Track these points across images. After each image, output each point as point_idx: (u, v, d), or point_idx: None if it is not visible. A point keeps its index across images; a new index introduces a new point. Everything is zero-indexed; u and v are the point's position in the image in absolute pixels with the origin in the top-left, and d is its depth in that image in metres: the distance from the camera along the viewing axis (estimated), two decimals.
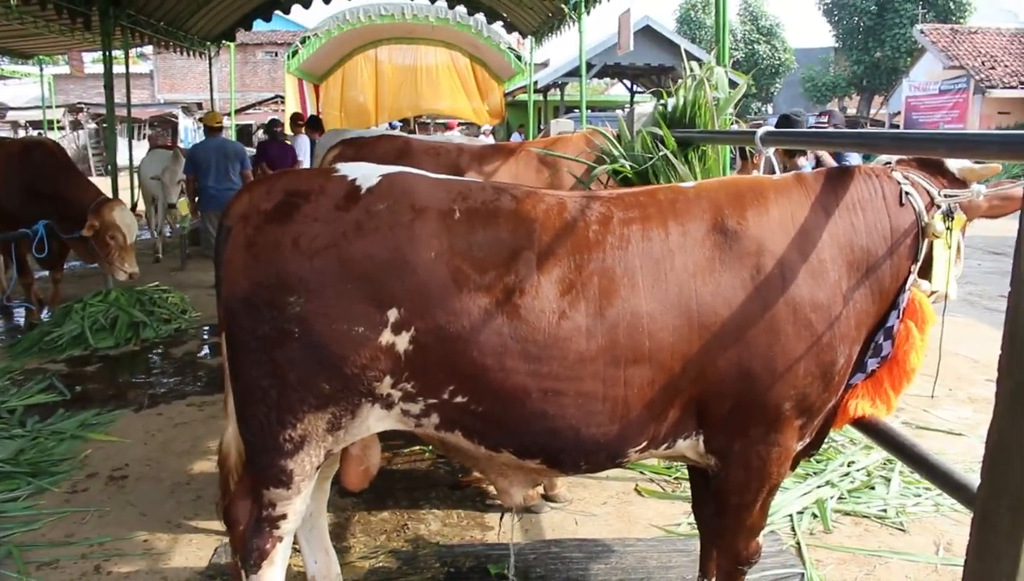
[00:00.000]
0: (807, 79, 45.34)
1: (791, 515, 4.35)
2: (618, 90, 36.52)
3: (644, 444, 2.73)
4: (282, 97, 22.68)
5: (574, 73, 23.91)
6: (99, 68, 12.28)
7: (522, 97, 23.24)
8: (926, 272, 2.76)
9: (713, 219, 2.71)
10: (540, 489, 4.57)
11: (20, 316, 9.59)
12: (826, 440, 4.83)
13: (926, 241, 2.73)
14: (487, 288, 2.57)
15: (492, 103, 22.96)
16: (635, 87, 29.24)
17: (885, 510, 4.45)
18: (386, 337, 2.59)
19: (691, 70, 4.87)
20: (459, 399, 2.64)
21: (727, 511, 2.91)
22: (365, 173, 2.75)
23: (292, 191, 2.71)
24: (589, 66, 24.67)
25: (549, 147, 6.31)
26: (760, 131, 3.58)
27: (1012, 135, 2.07)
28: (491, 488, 4.69)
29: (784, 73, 45.97)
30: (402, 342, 2.59)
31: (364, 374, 2.61)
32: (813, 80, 45.22)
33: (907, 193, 2.76)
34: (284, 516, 2.85)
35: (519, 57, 20.32)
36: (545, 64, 32.11)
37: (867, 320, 2.75)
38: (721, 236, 2.67)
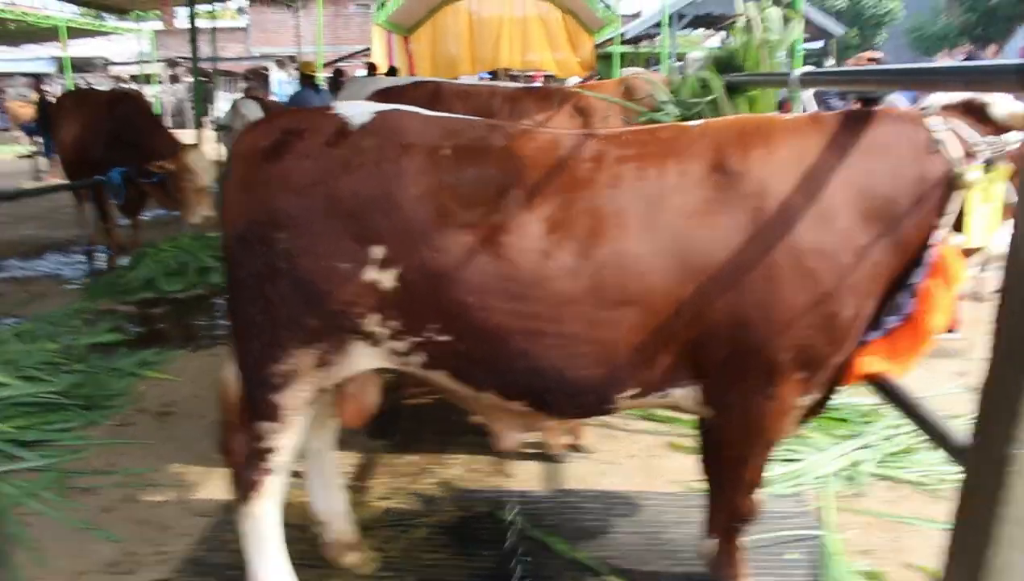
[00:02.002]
0: (914, 28, 42.99)
1: (823, 477, 4.18)
2: (717, 42, 35.47)
3: (635, 391, 2.65)
4: (370, 49, 22.83)
5: (668, 23, 23.35)
6: (197, 23, 12.57)
7: (613, 49, 22.82)
8: (962, 226, 2.55)
9: (715, 158, 2.57)
10: (567, 438, 4.52)
11: (101, 261, 9.95)
12: (870, 402, 4.66)
13: (958, 193, 2.51)
14: (472, 226, 2.52)
15: (583, 54, 22.61)
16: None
17: (926, 474, 4.23)
18: (371, 274, 2.57)
19: (745, 11, 4.66)
20: (443, 338, 2.61)
21: (723, 465, 2.81)
22: (358, 111, 2.73)
23: (288, 129, 2.71)
24: (680, 16, 24.01)
25: (610, 91, 6.14)
26: (795, 71, 3.39)
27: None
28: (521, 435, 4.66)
29: (890, 23, 43.70)
30: (387, 279, 2.57)
31: (350, 311, 2.61)
32: (921, 30, 42.84)
33: (939, 140, 2.53)
34: (275, 450, 2.88)
35: (608, 7, 19.89)
36: (636, 15, 31.37)
37: (884, 274, 2.56)
38: (722, 176, 2.53)
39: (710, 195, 2.51)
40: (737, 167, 2.53)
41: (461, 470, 4.39)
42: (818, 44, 27.31)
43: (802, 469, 4.23)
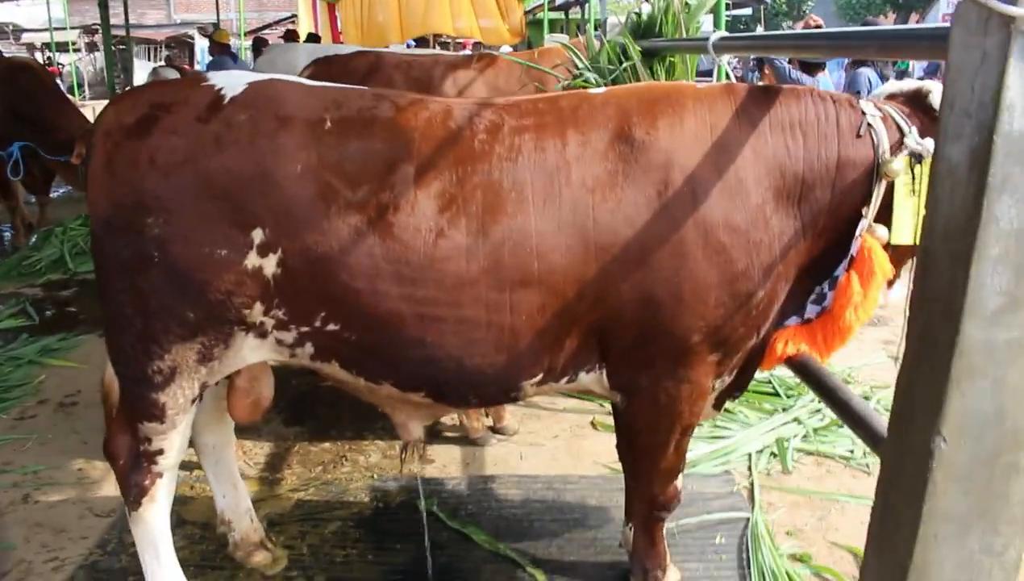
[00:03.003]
0: None
1: (749, 454, 4.10)
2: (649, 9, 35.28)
3: (540, 376, 2.49)
4: (296, 16, 22.20)
5: None
6: None
7: (543, 15, 22.54)
8: (888, 219, 2.41)
9: (619, 128, 2.39)
10: (487, 421, 4.36)
11: (6, 241, 9.47)
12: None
13: (882, 182, 2.36)
14: (359, 204, 2.32)
15: (512, 22, 22.26)
16: None
17: (852, 451, 4.17)
18: (252, 260, 2.36)
19: None
20: (332, 326, 2.42)
21: (639, 452, 2.67)
22: (231, 82, 2.50)
23: (156, 103, 2.47)
24: None
25: (527, 59, 5.97)
26: (712, 37, 3.23)
27: (937, 28, 1.75)
28: (444, 419, 4.49)
29: None
30: (269, 265, 2.36)
31: (231, 301, 2.40)
32: None
33: (869, 125, 2.38)
34: (161, 451, 2.68)
35: None
36: None
37: (798, 257, 2.43)
38: (626, 147, 2.36)
39: (614, 167, 2.34)
40: (643, 137, 2.36)
41: (378, 457, 4.20)
42: (747, 11, 27.38)
43: (729, 446, 4.14)
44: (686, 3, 4.30)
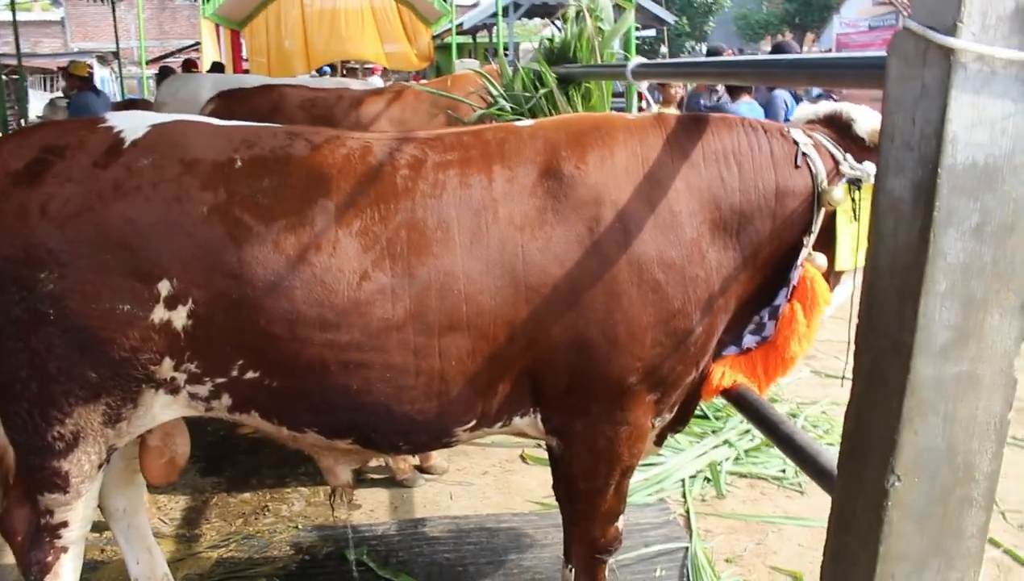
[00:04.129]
0: (740, 17, 44.82)
1: (683, 480, 4.06)
2: (553, 32, 35.70)
3: (472, 422, 2.38)
4: (200, 44, 21.69)
5: (504, 13, 23.26)
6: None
7: (457, 40, 22.53)
8: (829, 247, 2.39)
9: (547, 163, 2.31)
10: (414, 460, 4.22)
11: None
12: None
13: (822, 211, 2.33)
14: (274, 245, 2.17)
15: (420, 47, 22.16)
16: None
17: (784, 471, 4.18)
18: (159, 314, 2.19)
19: (576, 1, 4.45)
20: (250, 375, 2.27)
21: (577, 497, 2.57)
22: (133, 124, 2.33)
23: (47, 146, 2.27)
24: (516, 5, 23.95)
25: (439, 87, 5.86)
26: (631, 63, 3.19)
27: (870, 58, 1.73)
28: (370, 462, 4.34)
29: (718, 11, 45.18)
30: (179, 318, 2.20)
31: (136, 358, 2.22)
32: (746, 18, 44.73)
33: (804, 154, 2.35)
34: (65, 523, 2.47)
35: None
36: (475, 4, 31.22)
37: (738, 289, 2.38)
38: (555, 183, 2.28)
39: (542, 204, 2.26)
40: (572, 172, 2.28)
41: (302, 505, 4.02)
42: (651, 32, 27.93)
43: (663, 473, 4.09)
44: (599, 28, 4.27)
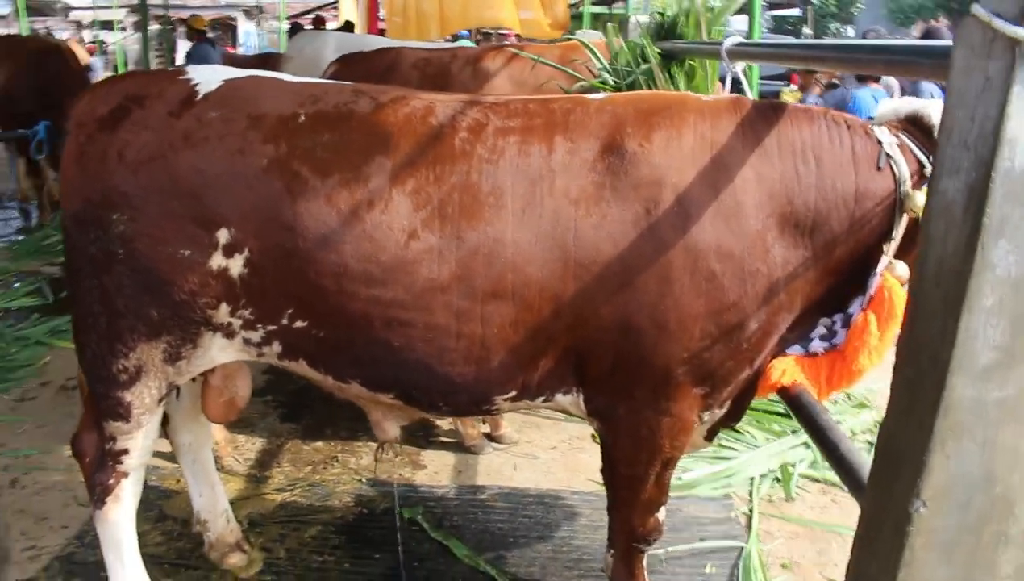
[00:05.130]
0: None
1: (753, 478, 3.93)
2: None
3: (513, 392, 2.37)
4: (338, 2, 22.24)
5: None
6: None
7: (591, 9, 22.29)
8: (912, 256, 2.23)
9: (610, 138, 2.24)
10: (484, 428, 4.24)
11: (33, 217, 9.53)
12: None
13: (904, 217, 2.19)
14: (328, 199, 2.21)
15: (556, 14, 22.01)
16: None
17: None
18: (217, 260, 2.27)
19: None
20: (299, 324, 2.34)
21: (617, 483, 2.53)
22: (208, 77, 2.42)
23: (131, 95, 2.40)
24: None
25: (550, 55, 5.80)
26: (727, 42, 3.06)
27: (938, 47, 1.60)
28: (440, 423, 4.39)
29: None
30: (235, 265, 2.28)
31: (195, 301, 2.32)
32: (897, 0, 42.36)
33: (888, 155, 2.20)
34: (126, 451, 2.61)
35: None
36: None
37: (805, 289, 2.26)
38: (616, 159, 2.21)
39: (601, 180, 2.20)
40: (635, 150, 2.20)
41: (369, 459, 4.10)
42: (796, 12, 26.96)
43: (732, 469, 3.97)
44: (709, 6, 4.12)
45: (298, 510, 3.63)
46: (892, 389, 1.56)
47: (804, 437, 4.25)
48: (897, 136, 2.28)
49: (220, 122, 2.27)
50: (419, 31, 20.10)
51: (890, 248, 2.22)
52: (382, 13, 20.40)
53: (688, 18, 4.06)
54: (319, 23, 14.54)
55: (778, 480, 3.96)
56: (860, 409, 4.56)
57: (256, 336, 2.40)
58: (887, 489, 1.56)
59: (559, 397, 2.41)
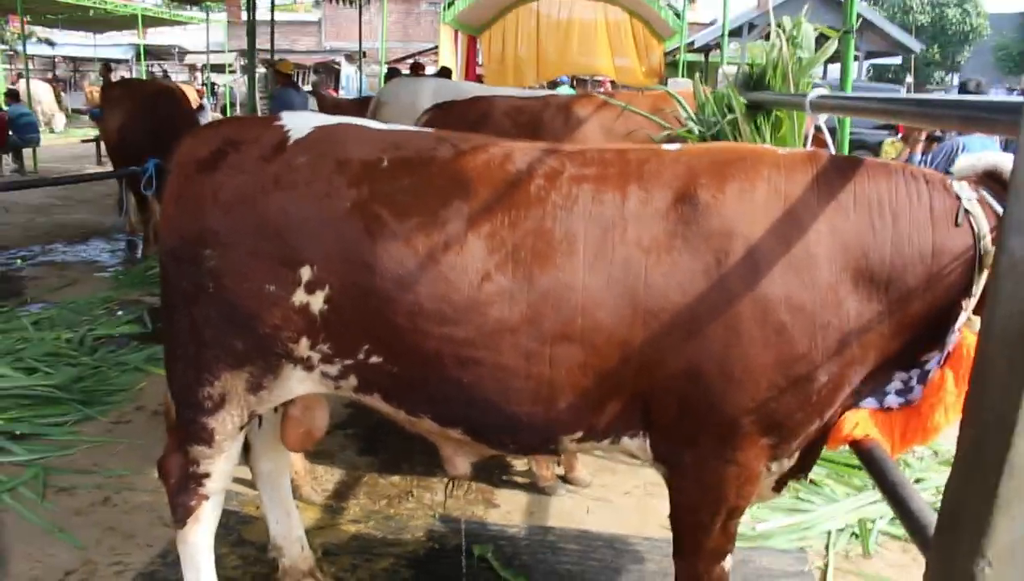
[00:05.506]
0: (1000, 47, 41.20)
1: (830, 532, 3.85)
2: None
3: (580, 434, 2.41)
4: (438, 48, 22.82)
5: (737, 32, 22.85)
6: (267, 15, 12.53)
7: (687, 58, 22.31)
8: None
9: (684, 188, 2.28)
10: (558, 470, 4.26)
11: (139, 249, 10.00)
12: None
13: (984, 273, 2.16)
14: (406, 241, 2.31)
15: (651, 63, 22.12)
16: None
17: None
18: (299, 297, 2.39)
19: (777, 26, 4.32)
20: (374, 359, 2.43)
21: (682, 530, 2.52)
22: (300, 124, 2.56)
23: (228, 139, 2.57)
24: (751, 26, 23.49)
25: (642, 101, 5.85)
26: (810, 94, 3.08)
27: (1013, 103, 1.59)
28: (515, 463, 4.43)
29: (975, 40, 41.72)
30: (316, 302, 2.39)
31: (278, 335, 2.44)
32: (1007, 48, 41.06)
33: (967, 211, 2.20)
34: (208, 475, 2.74)
35: (678, 15, 19.41)
36: (712, 23, 30.83)
37: (880, 343, 2.25)
38: (689, 209, 2.24)
39: (673, 229, 2.23)
40: (708, 200, 2.24)
41: (444, 495, 4.15)
42: (896, 60, 26.46)
43: (808, 521, 3.89)
44: (796, 55, 4.13)
45: (371, 542, 3.70)
46: (958, 446, 1.55)
47: None
48: (976, 190, 2.25)
49: (308, 167, 2.40)
50: (516, 77, 20.43)
51: (970, 304, 2.19)
52: (480, 59, 20.85)
53: (776, 69, 4.08)
54: (417, 69, 14.94)
55: (856, 535, 3.86)
56: (946, 466, 4.40)
57: (334, 370, 2.50)
58: (950, 548, 1.55)
59: (625, 440, 2.43)
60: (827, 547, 3.76)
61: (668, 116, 4.93)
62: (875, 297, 2.21)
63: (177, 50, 33.14)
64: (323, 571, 3.39)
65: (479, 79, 18.56)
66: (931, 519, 1.97)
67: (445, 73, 13.85)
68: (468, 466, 2.82)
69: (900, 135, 8.69)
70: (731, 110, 4.21)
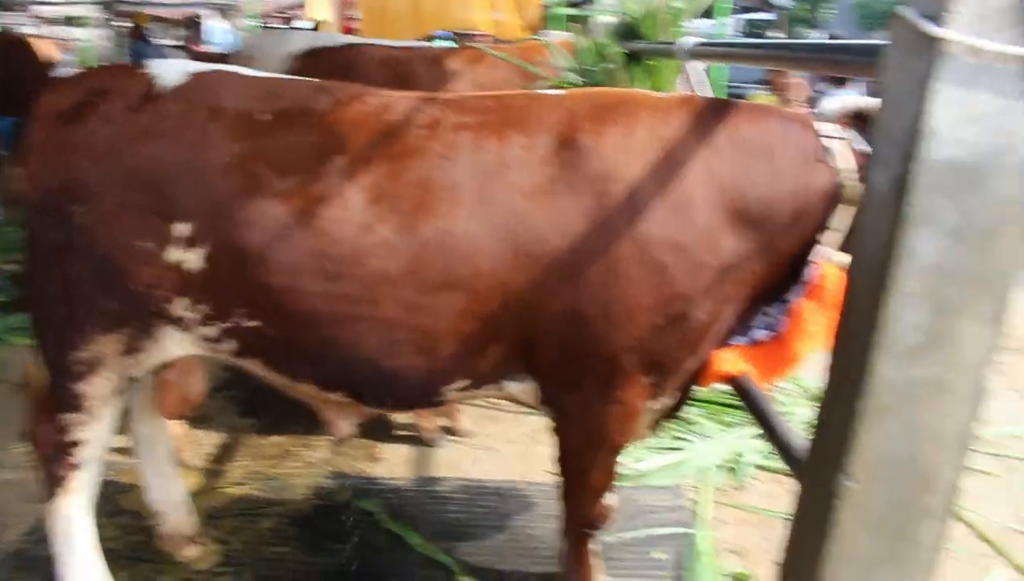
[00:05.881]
0: (862, 4, 43.00)
1: (705, 467, 4.01)
2: None
3: (464, 383, 2.41)
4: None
5: None
6: None
7: (564, 11, 22.29)
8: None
9: (565, 133, 2.29)
10: (441, 421, 4.28)
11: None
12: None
13: (846, 208, 2.25)
14: (287, 195, 2.24)
15: (529, 16, 21.98)
16: None
17: None
18: (175, 253, 2.29)
19: None
20: (253, 322, 2.35)
21: (567, 471, 2.58)
22: (171, 71, 2.43)
23: (94, 89, 2.42)
24: None
25: (516, 52, 5.84)
26: (683, 43, 3.14)
27: (871, 45, 1.67)
28: (397, 417, 4.42)
29: None
30: (192, 259, 2.29)
31: (154, 294, 2.34)
32: (869, 5, 42.88)
33: (828, 149, 2.29)
34: (80, 443, 2.61)
35: None
36: None
37: (751, 280, 2.32)
38: (569, 153, 2.26)
39: (554, 173, 2.24)
40: (588, 145, 2.26)
41: (328, 453, 4.12)
42: (770, 16, 27.34)
43: (684, 459, 4.05)
44: (671, 6, 4.19)
45: (255, 503, 3.64)
46: (826, 373, 1.63)
47: (755, 428, 4.34)
48: (840, 131, 2.35)
49: (181, 116, 2.29)
50: (393, 32, 19.89)
51: (829, 238, 2.30)
52: (356, 13, 20.22)
53: (651, 19, 4.13)
54: (289, 22, 14.43)
55: (731, 470, 4.05)
56: (813, 401, 4.66)
57: (212, 332, 2.41)
58: (819, 467, 1.64)
59: (509, 385, 2.45)
60: (702, 482, 3.92)
61: (547, 66, 4.94)
62: (749, 235, 2.28)
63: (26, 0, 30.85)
64: (207, 535, 3.31)
65: (355, 34, 18.06)
66: (801, 445, 2.08)
67: (321, 27, 13.47)
68: (352, 427, 2.79)
69: (772, 88, 8.97)
70: (609, 60, 4.24)
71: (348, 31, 17.58)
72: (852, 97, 2.50)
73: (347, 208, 2.22)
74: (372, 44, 6.41)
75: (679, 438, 4.22)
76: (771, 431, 2.21)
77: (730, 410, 4.48)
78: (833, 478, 1.56)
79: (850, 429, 1.51)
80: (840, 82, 7.11)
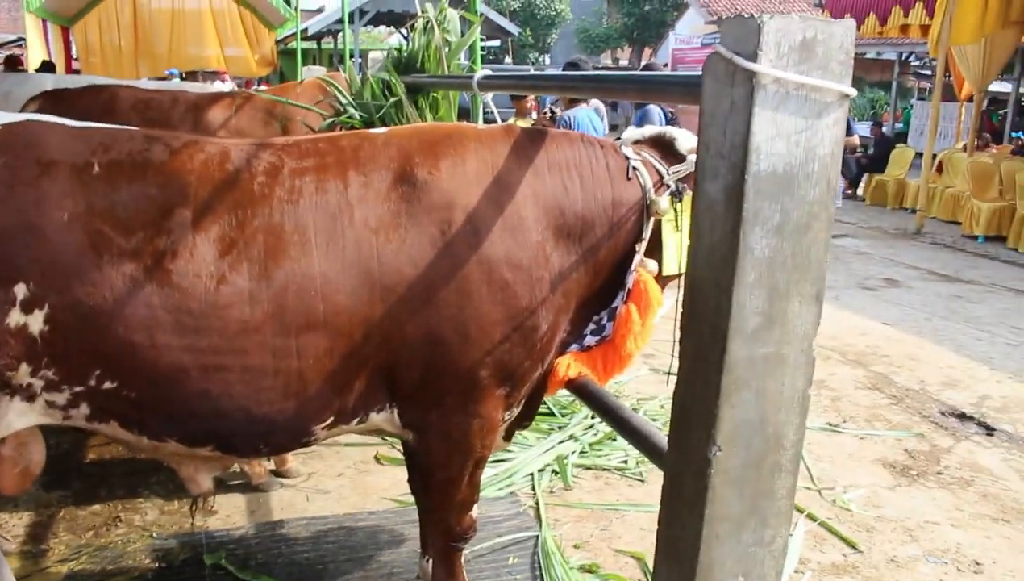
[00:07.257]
0: (581, 30, 46.27)
1: (532, 473, 4.26)
2: (399, 40, 35.90)
3: (331, 420, 2.46)
4: (24, 40, 20.33)
5: (350, 20, 23.16)
6: None
7: (295, 46, 22.09)
8: (658, 253, 2.64)
9: (401, 169, 2.44)
10: (269, 465, 4.24)
11: None
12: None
13: (651, 220, 2.58)
14: (133, 253, 2.19)
15: (263, 52, 21.59)
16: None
17: (626, 462, 4.46)
18: (15, 317, 2.17)
19: (425, 13, 4.58)
20: (109, 384, 2.26)
21: (433, 487, 2.71)
22: None
23: None
24: (362, 13, 23.95)
25: (286, 94, 5.86)
26: (477, 75, 3.36)
27: (689, 77, 1.95)
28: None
29: (560, 24, 46.47)
30: (35, 322, 2.18)
31: None
32: (587, 31, 46.22)
33: (634, 168, 2.60)
34: None
35: (288, 2, 19.18)
36: (320, 10, 30.93)
37: (578, 290, 2.59)
38: (409, 187, 2.41)
39: (396, 207, 2.38)
40: (425, 178, 2.42)
41: (156, 514, 3.96)
42: (496, 43, 28.50)
43: (512, 468, 4.28)
44: (446, 40, 4.42)
45: (89, 577, 3.44)
46: (680, 358, 1.87)
47: (571, 431, 4.66)
48: (639, 153, 2.68)
49: (7, 171, 2.17)
50: (116, 72, 18.81)
51: (642, 247, 2.60)
52: (76, 52, 18.98)
53: (429, 52, 4.34)
54: (15, 63, 13.33)
55: (555, 472, 4.32)
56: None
57: (61, 398, 2.30)
58: (686, 442, 1.88)
59: (373, 416, 2.53)
60: (533, 487, 4.16)
61: (324, 105, 5.02)
62: (572, 249, 2.54)
63: None
64: None
65: (76, 73, 16.94)
66: (651, 431, 2.34)
67: (48, 68, 12.62)
68: (211, 482, 2.74)
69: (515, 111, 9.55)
70: (391, 93, 4.39)
71: (70, 72, 16.52)
72: (649, 126, 2.85)
73: (198, 260, 2.22)
74: (124, 85, 6.17)
75: (504, 450, 4.43)
76: (620, 423, 2.45)
77: (546, 418, 4.77)
78: (702, 450, 1.81)
79: (713, 404, 1.77)
80: (575, 102, 7.66)
